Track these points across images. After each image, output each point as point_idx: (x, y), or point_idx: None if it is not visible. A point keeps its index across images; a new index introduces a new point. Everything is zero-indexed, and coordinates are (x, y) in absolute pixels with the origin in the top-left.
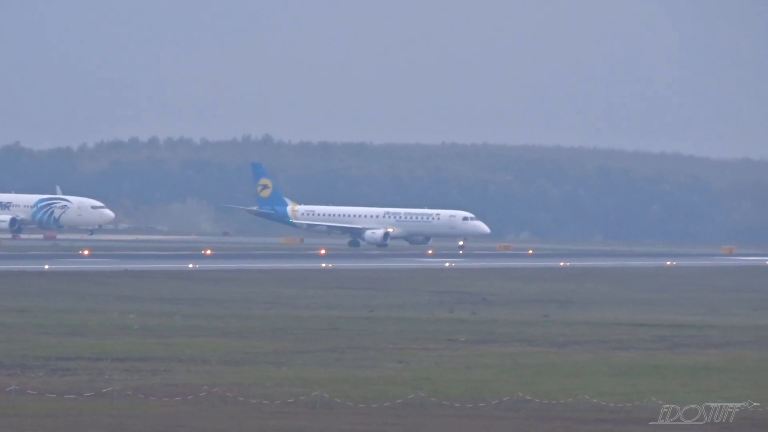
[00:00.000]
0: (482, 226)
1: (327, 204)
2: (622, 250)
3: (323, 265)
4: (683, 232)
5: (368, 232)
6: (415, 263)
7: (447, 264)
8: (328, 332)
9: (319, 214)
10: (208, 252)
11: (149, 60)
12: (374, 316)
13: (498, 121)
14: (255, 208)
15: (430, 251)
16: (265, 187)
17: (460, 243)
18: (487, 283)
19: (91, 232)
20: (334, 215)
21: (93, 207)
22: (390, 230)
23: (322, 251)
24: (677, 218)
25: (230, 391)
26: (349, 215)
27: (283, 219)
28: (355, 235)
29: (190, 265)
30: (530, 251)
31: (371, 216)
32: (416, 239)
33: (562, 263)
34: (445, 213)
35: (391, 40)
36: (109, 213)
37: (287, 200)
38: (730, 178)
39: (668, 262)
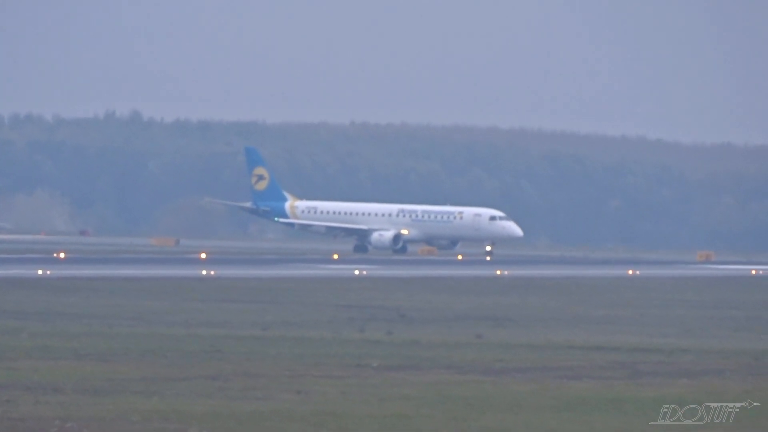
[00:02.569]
0: (513, 228)
1: (325, 200)
2: (575, 255)
3: (205, 272)
4: (650, 235)
5: (375, 235)
6: (319, 271)
7: (357, 272)
8: (209, 355)
9: (321, 212)
10: (62, 255)
11: None
12: (267, 335)
13: (421, 98)
14: (248, 204)
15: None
16: (260, 178)
17: (488, 248)
18: (407, 295)
19: None
20: (338, 213)
21: None
22: (405, 232)
23: (203, 255)
24: (642, 217)
25: (88, 427)
26: (355, 213)
27: (282, 217)
28: (361, 237)
29: (40, 272)
30: (459, 257)
31: (382, 214)
32: (440, 243)
33: (499, 271)
34: (468, 211)
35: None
36: None
37: (287, 195)
38: (708, 169)
39: (631, 271)
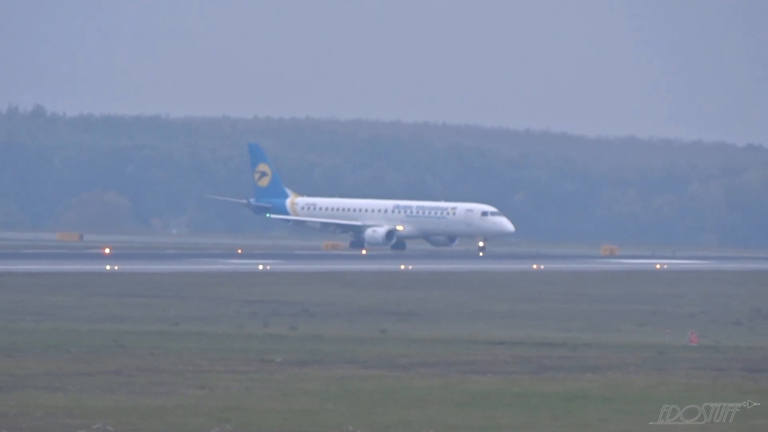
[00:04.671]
0: (505, 223)
1: (322, 197)
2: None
3: (108, 267)
4: (554, 228)
5: (368, 231)
6: (223, 266)
7: (261, 267)
8: (113, 350)
9: (320, 208)
10: None
11: None
12: (171, 330)
13: (325, 92)
14: (252, 200)
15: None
16: (263, 174)
17: (481, 244)
18: (311, 290)
19: None
20: (336, 209)
21: None
22: (399, 228)
23: (107, 250)
24: (546, 211)
25: None
26: (352, 209)
27: (284, 214)
28: (356, 233)
29: None
30: (364, 251)
31: (377, 210)
32: (437, 240)
33: (403, 266)
34: (461, 207)
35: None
36: None
37: (288, 191)
38: (612, 162)
39: (535, 266)
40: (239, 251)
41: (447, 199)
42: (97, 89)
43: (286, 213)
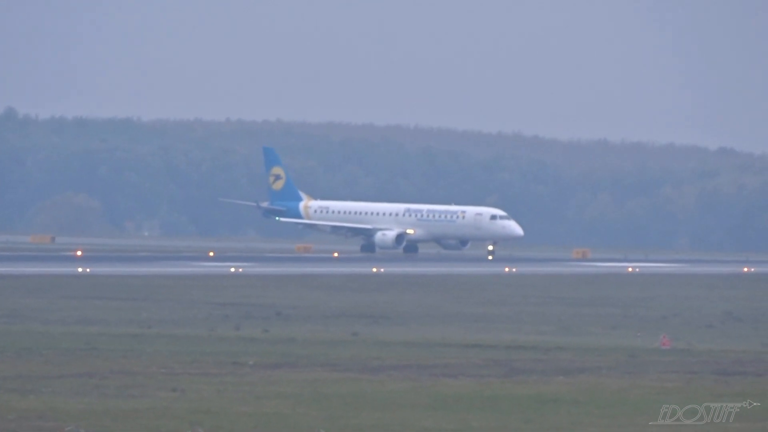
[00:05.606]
0: (514, 227)
1: (338, 200)
2: (451, 252)
3: (81, 269)
4: (526, 231)
5: (378, 234)
6: (195, 268)
7: (233, 269)
8: (85, 353)
9: (333, 211)
10: None
11: None
12: (143, 333)
13: (297, 95)
14: (261, 203)
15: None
16: (277, 177)
17: (490, 248)
18: (283, 293)
19: None
20: (348, 213)
21: None
22: (410, 231)
23: (79, 253)
24: (519, 214)
25: None
26: (363, 213)
27: (297, 218)
28: (367, 236)
29: None
30: (335, 254)
31: (388, 214)
32: (448, 243)
33: (375, 269)
34: (471, 210)
35: (167, 1)
36: None
37: (302, 194)
38: (584, 165)
39: (507, 269)
40: (211, 254)
41: (449, 202)
42: (69, 92)
43: (300, 216)
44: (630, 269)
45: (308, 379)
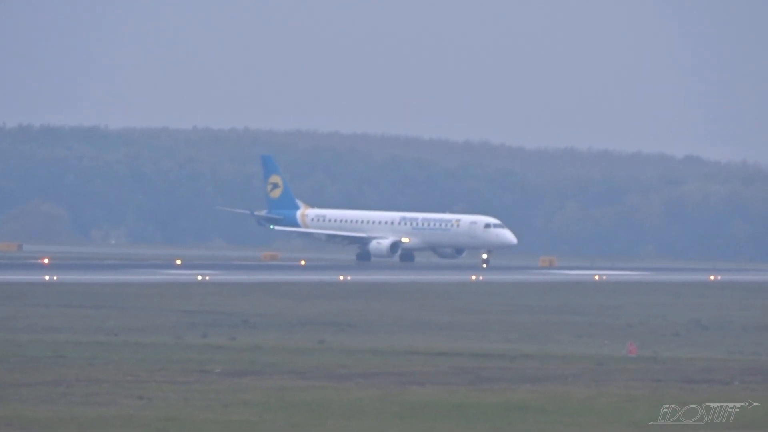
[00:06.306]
0: (507, 236)
1: (329, 208)
2: (418, 261)
3: (47, 277)
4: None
5: (373, 243)
6: (162, 276)
7: (200, 277)
8: (52, 361)
9: (329, 220)
10: None
11: None
12: (110, 341)
13: (264, 103)
14: (256, 212)
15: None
16: (275, 186)
17: (484, 256)
18: (250, 301)
19: None
20: (344, 221)
21: None
22: (405, 240)
23: (46, 260)
24: None
25: None
26: (359, 221)
27: (294, 226)
28: (362, 245)
29: None
30: (302, 262)
31: (384, 222)
32: (444, 252)
33: (342, 277)
34: (465, 219)
35: (127, 8)
36: None
37: (299, 203)
38: (551, 174)
39: (474, 276)
40: (178, 262)
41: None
42: (35, 100)
43: (297, 225)
44: (597, 277)
45: (275, 386)
